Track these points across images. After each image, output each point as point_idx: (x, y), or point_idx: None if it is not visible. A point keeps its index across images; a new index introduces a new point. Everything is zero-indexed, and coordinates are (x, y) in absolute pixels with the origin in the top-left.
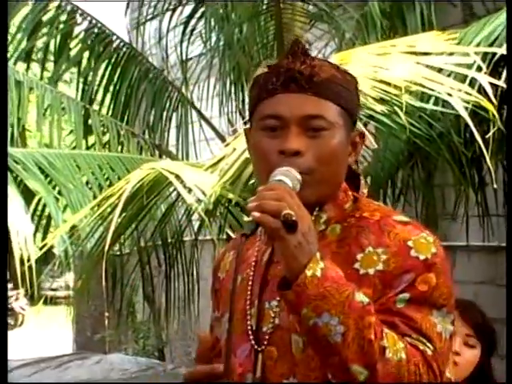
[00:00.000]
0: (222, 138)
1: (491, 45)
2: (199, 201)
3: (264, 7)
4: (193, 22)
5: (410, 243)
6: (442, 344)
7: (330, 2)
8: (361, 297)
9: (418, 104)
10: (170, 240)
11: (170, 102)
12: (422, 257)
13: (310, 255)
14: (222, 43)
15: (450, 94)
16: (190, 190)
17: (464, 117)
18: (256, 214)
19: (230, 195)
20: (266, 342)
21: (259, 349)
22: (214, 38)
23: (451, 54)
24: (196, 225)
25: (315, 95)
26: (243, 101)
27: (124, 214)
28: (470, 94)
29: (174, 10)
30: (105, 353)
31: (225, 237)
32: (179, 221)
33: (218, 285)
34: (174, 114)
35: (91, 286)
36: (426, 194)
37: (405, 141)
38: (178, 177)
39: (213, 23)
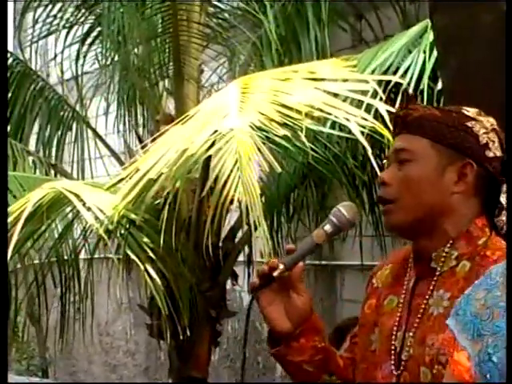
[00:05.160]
0: (117, 156)
1: (385, 72)
2: (97, 219)
3: (160, 29)
4: (89, 40)
5: None
6: None
7: (223, 24)
8: None
9: (317, 128)
10: (66, 258)
11: (65, 120)
12: None
13: None
14: (117, 62)
15: (347, 119)
16: (88, 209)
17: (361, 141)
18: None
19: (133, 216)
20: (402, 368)
21: (396, 373)
22: (110, 57)
23: (345, 80)
24: (92, 244)
25: (407, 132)
26: (136, 120)
27: (23, 232)
28: (366, 120)
29: (70, 28)
30: None
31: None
32: (75, 240)
33: (369, 289)
34: (69, 132)
35: None
36: (319, 214)
37: (300, 162)
38: (77, 196)
39: (109, 43)
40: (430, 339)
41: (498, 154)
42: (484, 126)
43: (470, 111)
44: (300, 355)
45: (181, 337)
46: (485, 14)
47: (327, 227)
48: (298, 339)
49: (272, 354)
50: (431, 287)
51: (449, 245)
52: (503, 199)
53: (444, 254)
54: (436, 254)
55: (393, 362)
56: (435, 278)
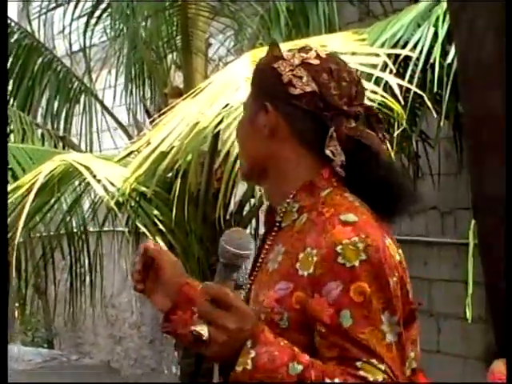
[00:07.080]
0: (124, 129)
1: (395, 45)
2: (107, 191)
3: (168, 2)
4: (97, 13)
5: (338, 249)
6: (393, 353)
7: None
8: (295, 368)
9: None
10: (75, 231)
11: (72, 93)
12: (348, 264)
13: (239, 349)
14: (126, 35)
15: None
16: (99, 182)
17: None
18: None
19: (143, 188)
20: None
21: None
22: (118, 30)
23: (354, 53)
24: (101, 217)
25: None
26: (144, 93)
27: (33, 205)
28: (376, 93)
29: (78, 1)
30: None
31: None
32: (84, 213)
33: None
34: (77, 105)
35: None
36: None
37: None
38: (88, 169)
39: (117, 16)
40: (262, 295)
41: (308, 89)
42: (290, 63)
43: (287, 52)
44: (184, 327)
45: None
46: None
47: (235, 276)
48: (175, 312)
49: (164, 332)
50: (270, 242)
51: (291, 196)
52: (328, 152)
53: (285, 207)
54: (280, 207)
55: None
56: (274, 233)
